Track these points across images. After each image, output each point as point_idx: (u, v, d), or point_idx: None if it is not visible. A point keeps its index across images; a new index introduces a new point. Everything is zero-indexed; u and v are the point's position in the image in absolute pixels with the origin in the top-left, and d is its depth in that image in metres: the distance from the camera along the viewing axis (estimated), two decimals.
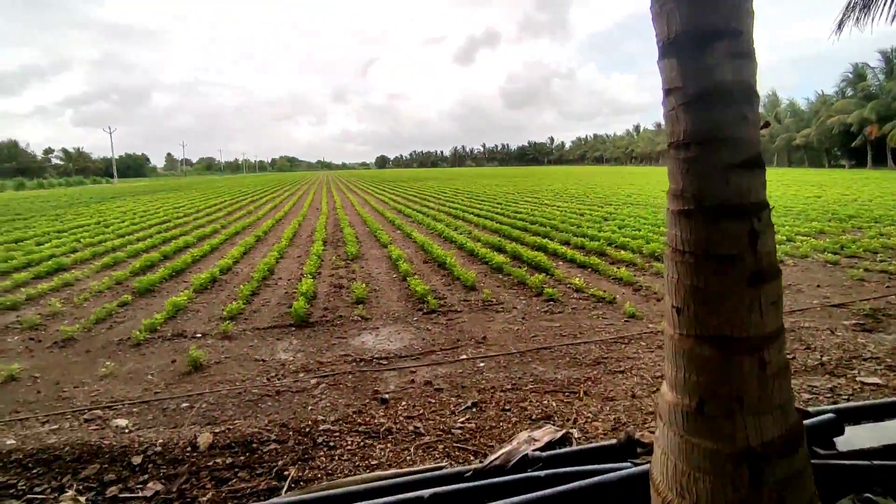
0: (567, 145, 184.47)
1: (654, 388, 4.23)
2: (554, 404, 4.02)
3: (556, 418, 3.78)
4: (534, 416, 3.82)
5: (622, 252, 9.75)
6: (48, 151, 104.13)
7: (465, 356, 5.14)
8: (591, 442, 3.39)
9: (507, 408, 3.99)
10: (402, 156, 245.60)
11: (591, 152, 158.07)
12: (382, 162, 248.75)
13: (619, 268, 8.53)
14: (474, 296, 7.32)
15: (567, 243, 11.24)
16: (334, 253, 11.05)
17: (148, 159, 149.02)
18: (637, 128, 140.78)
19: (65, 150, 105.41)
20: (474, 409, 3.98)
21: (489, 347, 5.37)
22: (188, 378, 4.79)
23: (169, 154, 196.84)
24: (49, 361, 5.29)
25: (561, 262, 9.46)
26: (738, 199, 1.84)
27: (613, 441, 3.15)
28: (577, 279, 7.78)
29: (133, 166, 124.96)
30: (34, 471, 3.35)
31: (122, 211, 22.62)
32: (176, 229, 15.62)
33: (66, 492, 3.14)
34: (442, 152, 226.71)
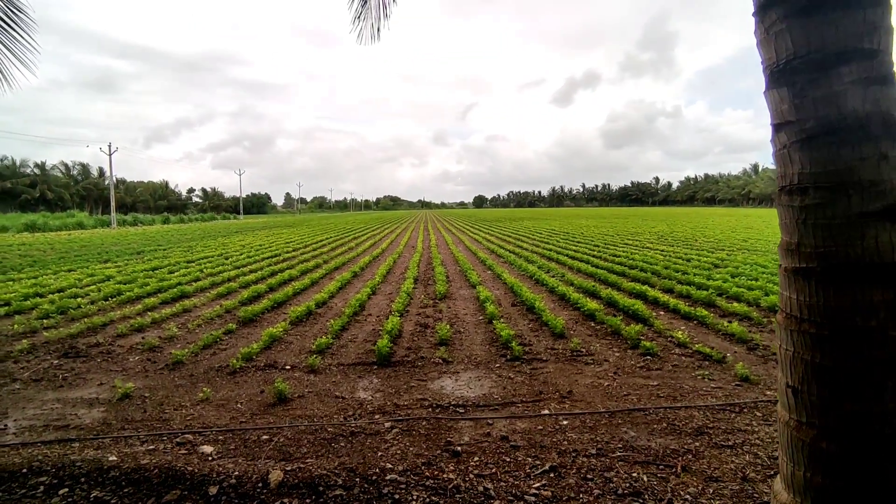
0: (674, 185, 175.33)
1: (773, 472, 3.56)
2: (645, 478, 3.53)
3: (646, 496, 3.30)
4: (620, 491, 3.37)
5: (735, 304, 8.73)
6: (190, 191, 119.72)
7: (547, 411, 4.77)
8: None
9: (589, 476, 3.58)
10: (499, 195, 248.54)
11: (702, 193, 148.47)
12: (480, 201, 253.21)
13: (730, 322, 7.61)
14: (562, 344, 6.90)
15: (670, 291, 10.35)
16: (424, 291, 11.16)
17: (269, 198, 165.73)
18: (755, 167, 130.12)
19: (203, 190, 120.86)
20: (552, 475, 3.62)
21: (574, 404, 4.94)
22: (272, 410, 4.94)
23: (287, 193, 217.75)
24: (158, 382, 5.77)
25: (662, 312, 8.68)
26: (877, 258, 1.46)
27: None
28: (680, 332, 7.05)
29: (256, 204, 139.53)
30: (125, 489, 3.56)
31: (242, 244, 25.01)
32: (283, 263, 16.86)
33: None
34: (539, 192, 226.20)
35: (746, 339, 6.80)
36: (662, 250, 18.64)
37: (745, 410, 4.67)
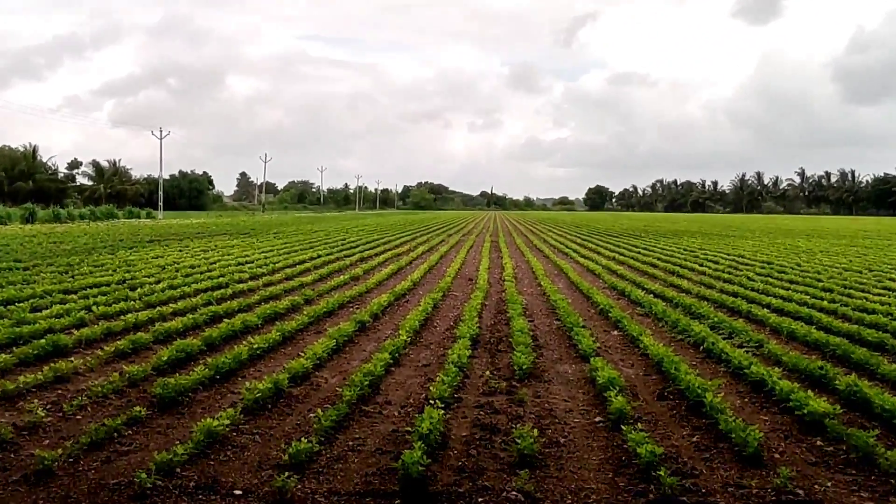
0: None
1: None
2: None
3: None
4: None
5: None
6: (74, 165, 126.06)
7: None
8: None
9: None
10: (635, 188, 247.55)
11: None
12: (598, 198, 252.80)
13: None
14: (758, 479, 6.72)
15: None
16: (490, 363, 11.21)
17: (211, 181, 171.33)
18: None
19: (96, 165, 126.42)
20: None
21: None
22: None
23: (242, 174, 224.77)
24: None
25: None
26: None
27: None
28: None
29: (188, 191, 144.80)
30: None
31: (161, 265, 25.99)
32: (234, 300, 17.38)
33: None
34: (715, 184, 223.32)
35: None
36: None
37: None
